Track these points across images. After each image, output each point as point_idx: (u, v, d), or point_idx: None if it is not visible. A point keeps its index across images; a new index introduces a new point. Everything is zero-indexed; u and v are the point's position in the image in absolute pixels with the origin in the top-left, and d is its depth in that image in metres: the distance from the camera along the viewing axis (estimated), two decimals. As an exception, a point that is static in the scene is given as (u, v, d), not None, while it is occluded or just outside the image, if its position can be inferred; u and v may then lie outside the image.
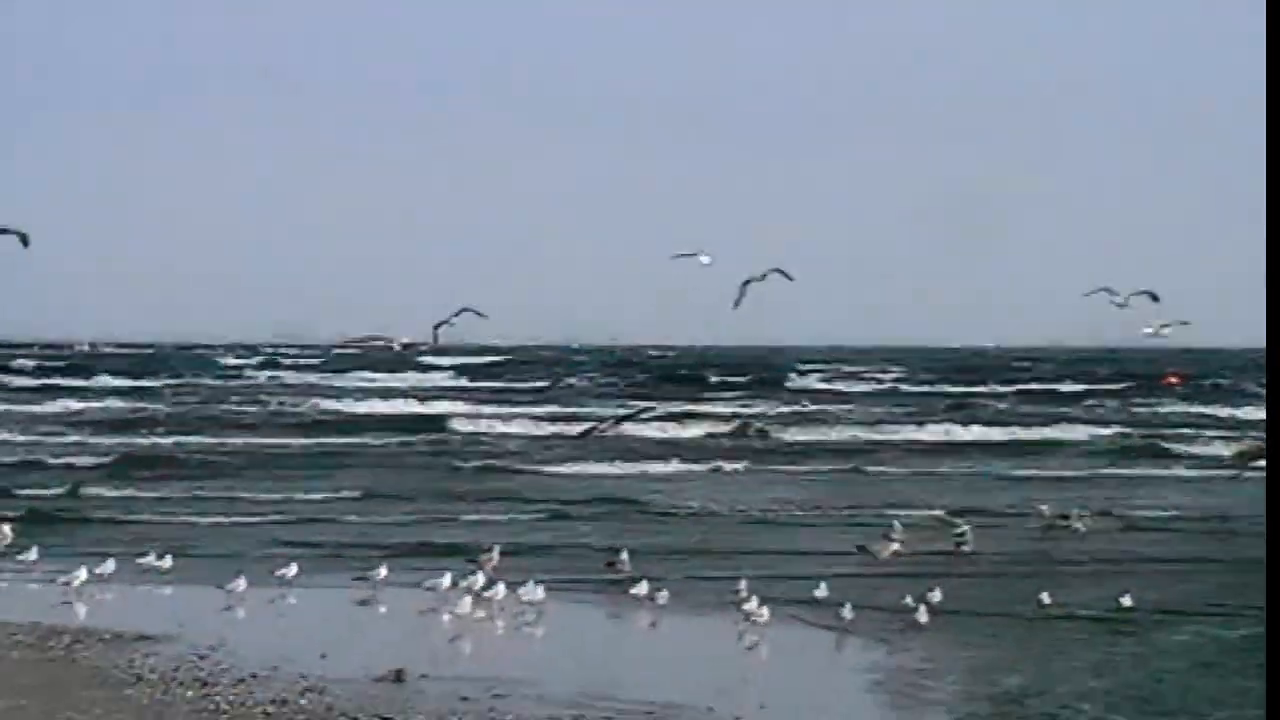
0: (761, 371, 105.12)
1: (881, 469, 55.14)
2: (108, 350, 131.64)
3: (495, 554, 30.08)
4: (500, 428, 70.42)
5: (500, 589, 27.33)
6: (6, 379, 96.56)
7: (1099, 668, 23.29)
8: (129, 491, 45.62)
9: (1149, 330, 23.04)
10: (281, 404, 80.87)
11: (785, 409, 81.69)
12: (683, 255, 24.21)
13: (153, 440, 62.62)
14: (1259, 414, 70.54)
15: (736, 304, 24.39)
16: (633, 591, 28.02)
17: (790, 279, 23.89)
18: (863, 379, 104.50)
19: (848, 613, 26.41)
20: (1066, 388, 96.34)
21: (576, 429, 67.87)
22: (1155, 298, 23.57)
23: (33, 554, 31.41)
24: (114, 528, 38.24)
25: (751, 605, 26.58)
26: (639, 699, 20.33)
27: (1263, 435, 55.42)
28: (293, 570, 29.03)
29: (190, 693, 20.11)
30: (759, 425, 71.28)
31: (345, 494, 45.46)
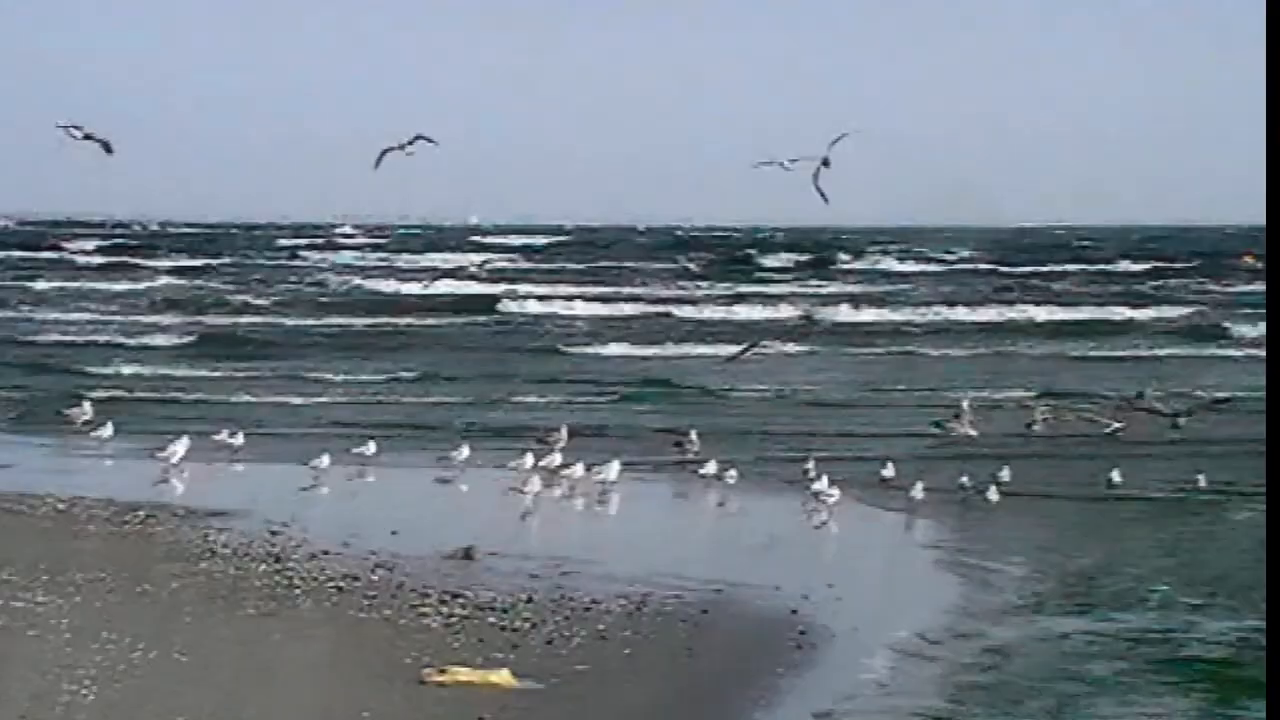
0: (822, 252, 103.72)
1: (945, 351, 54.59)
2: (177, 229, 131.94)
3: (564, 433, 30.21)
4: (561, 309, 70.23)
5: (579, 468, 27.48)
6: (76, 258, 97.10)
7: (1169, 547, 23.23)
8: (199, 371, 46.00)
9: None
10: (344, 284, 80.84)
11: (846, 289, 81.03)
12: (764, 164, 23.64)
13: (218, 320, 62.85)
14: None
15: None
16: (701, 471, 28.08)
17: (827, 165, 23.36)
18: (924, 259, 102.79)
19: (918, 493, 26.40)
20: (1135, 267, 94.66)
21: (630, 309, 67.86)
22: (826, 163, 22.86)
23: (107, 430, 31.84)
24: (185, 406, 38.61)
25: (821, 485, 26.61)
26: (706, 577, 20.40)
27: None
28: (371, 448, 29.24)
29: (263, 567, 20.33)
30: (818, 307, 70.75)
31: (404, 374, 45.64)
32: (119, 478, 28.04)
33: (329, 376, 44.98)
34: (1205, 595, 20.32)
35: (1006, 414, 35.97)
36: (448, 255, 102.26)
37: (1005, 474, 27.71)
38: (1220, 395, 37.16)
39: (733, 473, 28.00)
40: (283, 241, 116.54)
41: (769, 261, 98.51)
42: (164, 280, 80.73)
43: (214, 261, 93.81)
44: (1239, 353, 54.07)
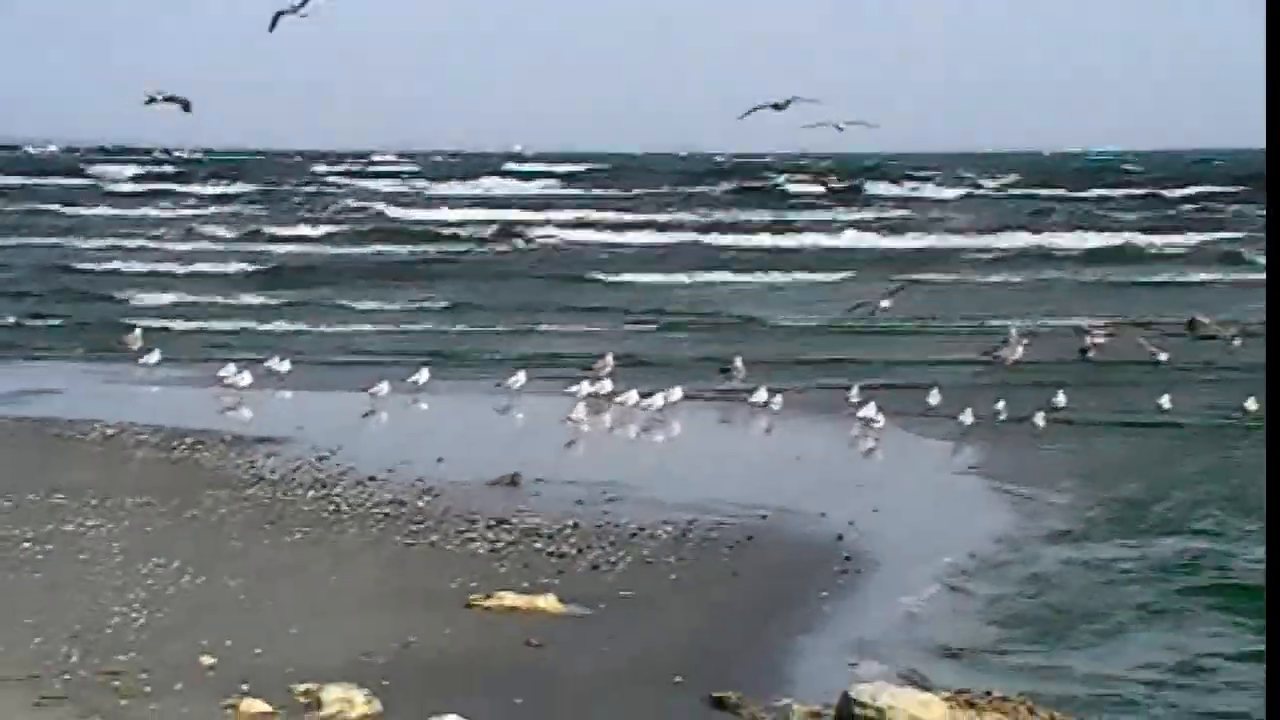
0: (846, 179, 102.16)
1: (985, 277, 54.09)
2: (217, 157, 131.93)
3: (610, 360, 30.20)
4: (592, 236, 69.86)
5: (632, 394, 27.54)
6: (112, 185, 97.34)
7: (1218, 473, 23.08)
8: (234, 299, 46.02)
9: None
10: (374, 211, 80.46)
11: (872, 215, 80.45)
12: (755, 109, 23.25)
13: (252, 247, 62.76)
14: None
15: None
16: (752, 399, 28.02)
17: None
18: (965, 184, 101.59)
19: (967, 418, 26.34)
20: (1180, 192, 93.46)
21: (662, 238, 67.63)
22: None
23: (154, 357, 32.02)
24: (224, 335, 38.75)
25: (868, 411, 26.56)
26: (752, 503, 20.39)
27: None
28: (424, 376, 29.30)
29: (310, 493, 20.42)
30: (841, 232, 70.18)
31: (433, 304, 45.60)
32: (166, 404, 28.20)
33: (360, 305, 45.05)
34: (1255, 520, 20.19)
35: (1055, 340, 35.77)
36: (479, 182, 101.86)
37: (1061, 399, 27.65)
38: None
39: (778, 399, 27.97)
40: (319, 168, 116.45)
41: (803, 189, 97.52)
42: (198, 209, 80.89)
43: (247, 189, 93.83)
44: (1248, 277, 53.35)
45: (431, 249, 64.37)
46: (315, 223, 73.18)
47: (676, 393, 27.78)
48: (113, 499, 19.45)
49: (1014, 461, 24.17)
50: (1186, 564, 18.20)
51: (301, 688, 12.60)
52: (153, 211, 78.51)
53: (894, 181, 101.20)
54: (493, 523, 18.85)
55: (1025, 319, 39.08)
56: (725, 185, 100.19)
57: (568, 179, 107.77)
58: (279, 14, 20.75)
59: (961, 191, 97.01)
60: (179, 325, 39.83)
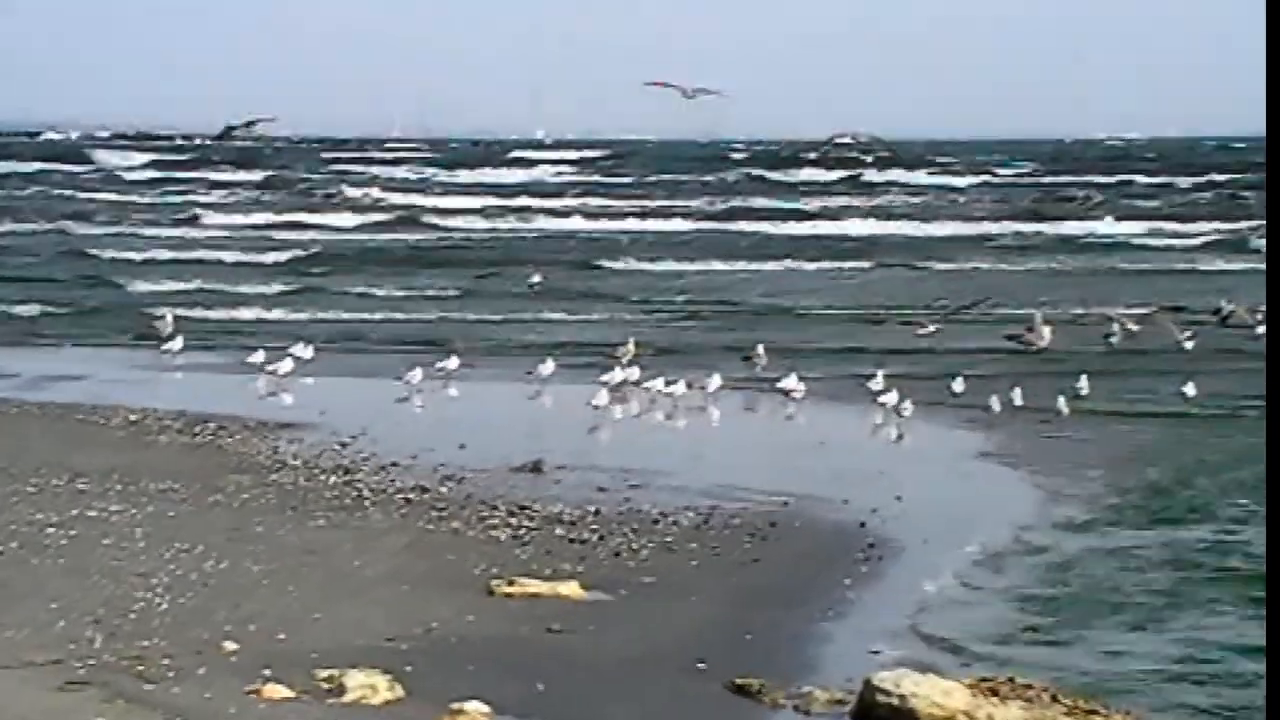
0: (847, 168, 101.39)
1: (999, 265, 53.69)
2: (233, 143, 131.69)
3: (631, 347, 30.19)
4: (607, 225, 69.57)
5: (659, 382, 27.55)
6: (124, 173, 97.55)
7: (1242, 460, 23.00)
8: (250, 287, 45.95)
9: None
10: (386, 200, 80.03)
11: (876, 202, 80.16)
12: (658, 84, 23.05)
13: (264, 235, 62.77)
14: None
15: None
16: (780, 385, 27.94)
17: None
18: (974, 172, 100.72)
19: (995, 405, 26.32)
20: (1191, 180, 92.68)
21: (672, 225, 67.47)
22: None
23: (178, 344, 32.12)
24: (244, 322, 38.81)
25: (891, 398, 26.53)
26: (775, 490, 20.37)
27: None
28: (454, 362, 29.32)
29: (333, 478, 20.44)
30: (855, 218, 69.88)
31: (448, 291, 45.58)
32: (189, 390, 28.28)
33: (374, 291, 45.09)
34: (1279, 507, 20.12)
35: (1077, 328, 35.66)
36: (494, 171, 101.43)
37: (1083, 384, 27.59)
38: None
39: (801, 387, 27.94)
40: (333, 155, 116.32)
41: (811, 175, 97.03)
42: (211, 196, 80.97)
43: (261, 174, 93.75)
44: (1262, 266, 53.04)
45: (436, 237, 64.26)
46: (324, 210, 73.18)
47: (715, 380, 27.83)
48: (136, 484, 19.49)
49: (1037, 449, 24.12)
50: (1211, 551, 18.14)
51: (324, 673, 12.61)
52: (166, 198, 78.70)
53: (909, 168, 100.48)
54: (515, 509, 18.85)
55: (1044, 306, 38.85)
56: (740, 172, 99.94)
57: (581, 165, 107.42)
58: (229, 128, 20.95)
59: (978, 179, 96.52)
60: (198, 313, 39.87)
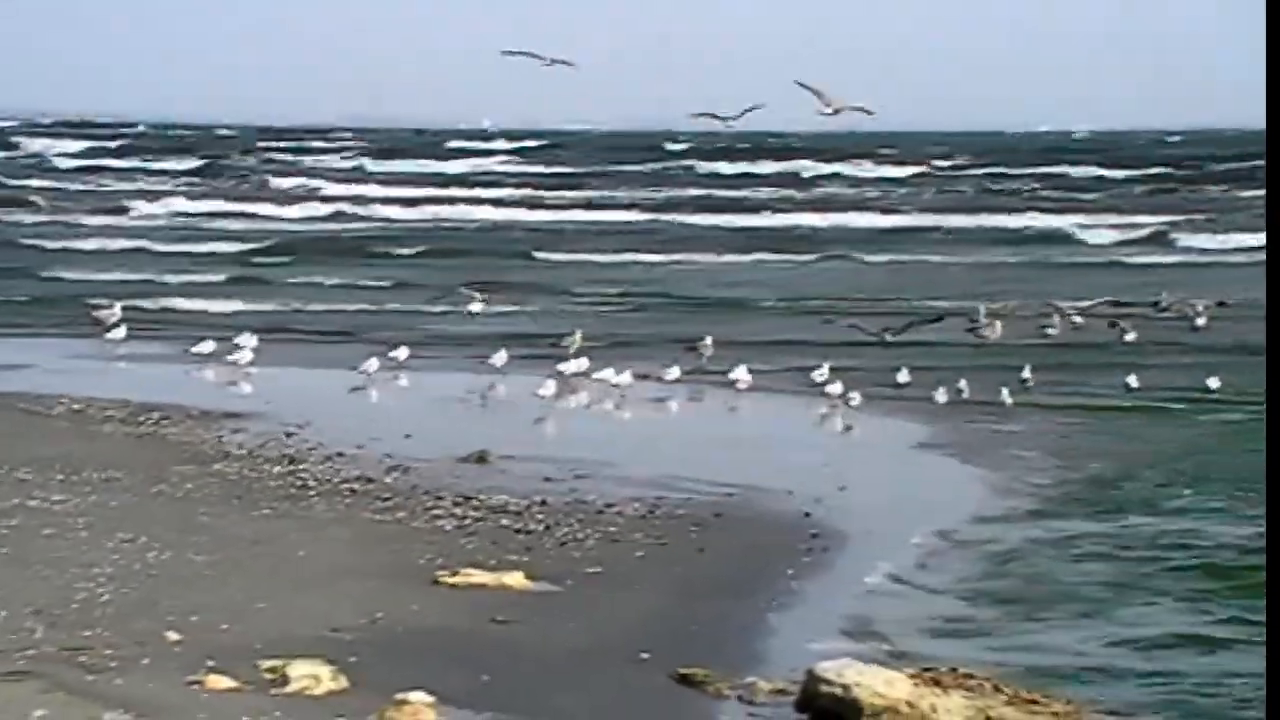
0: (784, 159, 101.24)
1: (928, 257, 53.44)
2: (158, 130, 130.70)
3: (578, 337, 30.16)
4: (545, 216, 69.35)
5: (613, 372, 27.55)
6: (57, 161, 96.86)
7: (1185, 451, 23.22)
8: (179, 277, 45.60)
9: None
10: (317, 190, 79.27)
11: (815, 194, 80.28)
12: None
13: (194, 226, 62.38)
14: None
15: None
16: (732, 376, 27.95)
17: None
18: (897, 163, 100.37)
19: (941, 396, 26.45)
20: (1122, 173, 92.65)
21: (606, 216, 67.32)
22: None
23: (120, 333, 31.94)
24: (180, 313, 38.55)
25: (837, 388, 26.63)
26: (721, 481, 20.42)
27: None
28: (404, 353, 29.23)
29: (278, 468, 20.37)
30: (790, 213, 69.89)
31: (382, 283, 45.34)
32: (132, 379, 28.11)
33: (314, 282, 44.85)
34: (1223, 497, 20.32)
35: (1017, 321, 35.78)
36: (424, 162, 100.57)
37: (1028, 377, 27.76)
38: (1221, 300, 36.94)
39: (747, 378, 27.99)
40: (269, 144, 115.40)
41: (749, 167, 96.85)
42: (147, 184, 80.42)
43: (194, 163, 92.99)
44: (1194, 260, 53.46)
45: (372, 226, 63.84)
46: (259, 199, 72.68)
47: (674, 371, 27.88)
48: (79, 474, 19.37)
49: (981, 440, 24.24)
50: (1154, 543, 18.25)
51: (268, 663, 12.57)
52: (101, 187, 78.13)
53: (845, 161, 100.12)
54: (460, 499, 18.83)
55: (984, 300, 38.72)
56: (686, 163, 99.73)
57: (522, 155, 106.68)
58: None
59: (918, 170, 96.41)
60: (134, 302, 39.43)
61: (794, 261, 53.10)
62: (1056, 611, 15.77)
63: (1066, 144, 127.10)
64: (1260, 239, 58.52)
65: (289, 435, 22.67)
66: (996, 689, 12.65)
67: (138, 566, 15.35)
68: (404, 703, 11.81)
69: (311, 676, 12.35)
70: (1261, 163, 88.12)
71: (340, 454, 21.33)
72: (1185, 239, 60.14)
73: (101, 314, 33.46)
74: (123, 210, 67.14)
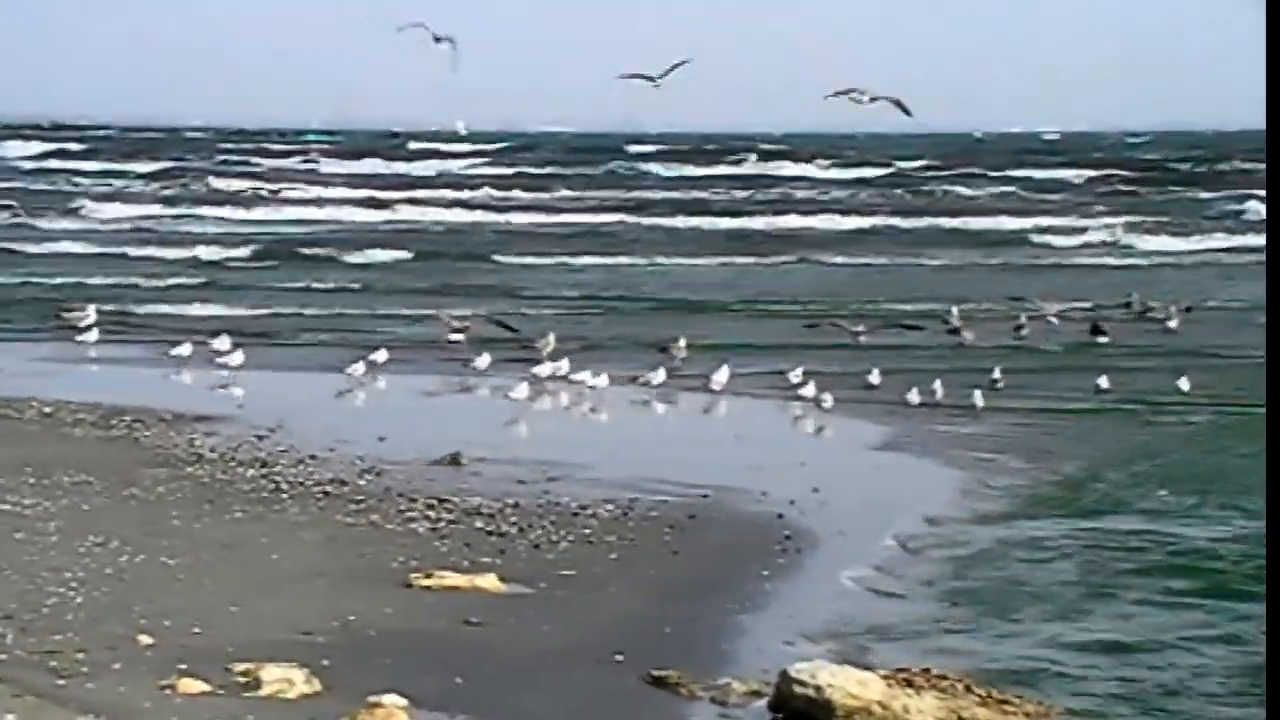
0: (749, 162, 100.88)
1: (895, 260, 53.40)
2: (115, 130, 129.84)
3: (551, 339, 30.15)
4: (514, 219, 69.00)
5: (590, 375, 27.52)
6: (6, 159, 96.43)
7: (1154, 453, 23.31)
8: (156, 280, 45.40)
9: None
10: (280, 193, 78.74)
11: (778, 195, 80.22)
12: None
13: (156, 228, 62.10)
14: None
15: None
16: (715, 377, 27.93)
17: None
18: (862, 164, 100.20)
19: (914, 397, 26.51)
20: (1085, 173, 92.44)
21: (560, 219, 67.19)
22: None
23: (93, 335, 31.84)
24: (148, 317, 38.34)
25: (810, 390, 26.67)
26: (694, 482, 20.42)
27: None
28: (382, 356, 29.15)
29: (251, 471, 20.32)
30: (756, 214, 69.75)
31: (350, 285, 45.13)
32: (104, 382, 28.00)
33: (279, 285, 44.59)
34: (1194, 498, 20.41)
35: (988, 322, 35.87)
36: (392, 164, 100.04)
37: (999, 378, 27.84)
38: (1188, 306, 37.18)
39: (721, 379, 27.99)
40: (233, 145, 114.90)
41: (712, 170, 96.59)
42: (106, 185, 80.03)
43: (154, 166, 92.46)
44: (1145, 261, 53.63)
45: (339, 229, 63.45)
46: (222, 202, 72.32)
47: (660, 375, 27.84)
48: (50, 477, 19.30)
49: (954, 442, 24.29)
50: (1126, 544, 18.31)
51: (240, 667, 12.54)
52: (61, 188, 77.74)
53: (811, 162, 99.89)
54: (434, 502, 18.81)
55: (951, 302, 38.59)
56: (639, 167, 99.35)
57: (486, 156, 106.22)
58: None
59: (883, 172, 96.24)
60: (100, 305, 39.22)
61: (760, 264, 53.03)
62: (1028, 612, 15.81)
63: (1036, 144, 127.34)
64: (1219, 241, 59.27)
65: (261, 438, 22.61)
66: (969, 690, 12.69)
67: (109, 570, 15.31)
68: (377, 705, 11.80)
69: (284, 680, 12.33)
70: (1226, 166, 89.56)
71: (313, 457, 21.29)
72: (1143, 242, 60.38)
73: (72, 316, 33.37)
74: (85, 213, 66.80)
